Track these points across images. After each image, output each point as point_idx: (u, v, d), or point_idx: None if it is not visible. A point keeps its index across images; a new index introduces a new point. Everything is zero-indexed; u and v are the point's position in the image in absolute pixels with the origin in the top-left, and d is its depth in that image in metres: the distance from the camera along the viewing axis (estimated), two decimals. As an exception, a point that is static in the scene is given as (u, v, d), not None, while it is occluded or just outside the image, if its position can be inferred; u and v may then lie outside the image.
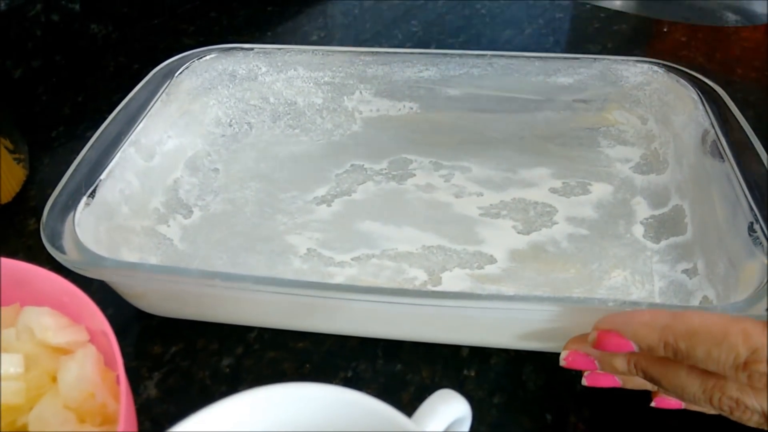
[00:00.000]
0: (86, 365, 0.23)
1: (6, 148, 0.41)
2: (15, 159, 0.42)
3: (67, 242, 0.30)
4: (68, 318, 0.25)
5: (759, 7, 0.71)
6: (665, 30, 0.59)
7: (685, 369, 0.22)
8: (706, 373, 0.22)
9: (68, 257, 0.29)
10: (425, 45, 0.56)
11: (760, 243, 0.29)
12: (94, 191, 0.33)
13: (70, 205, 0.32)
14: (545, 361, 0.30)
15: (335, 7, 0.64)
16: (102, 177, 0.34)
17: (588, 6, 0.63)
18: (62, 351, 0.24)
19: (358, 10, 0.63)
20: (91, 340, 0.24)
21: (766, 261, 0.28)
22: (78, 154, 0.35)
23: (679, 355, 0.21)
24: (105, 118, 0.38)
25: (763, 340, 0.19)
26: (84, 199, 0.32)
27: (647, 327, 0.22)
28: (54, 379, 0.23)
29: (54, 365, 0.23)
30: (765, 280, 0.27)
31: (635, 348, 0.22)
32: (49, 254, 0.30)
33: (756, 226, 0.29)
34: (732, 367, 0.20)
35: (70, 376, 0.22)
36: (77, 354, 0.23)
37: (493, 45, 0.56)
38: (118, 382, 0.23)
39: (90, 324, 0.24)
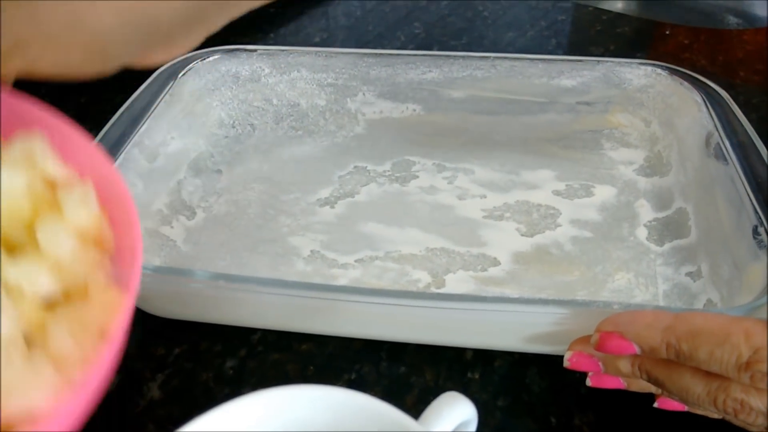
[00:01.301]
0: (89, 193, 0.20)
1: (9, 149, 0.41)
2: (18, 160, 0.42)
3: (71, 243, 0.29)
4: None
5: (760, 10, 0.71)
6: (667, 33, 0.59)
7: (689, 371, 0.22)
8: (709, 375, 0.22)
9: (72, 258, 0.29)
10: (428, 47, 0.56)
11: (765, 246, 0.29)
12: (97, 192, 0.33)
13: (73, 206, 0.32)
14: (549, 363, 0.30)
15: (337, 8, 0.64)
16: (106, 178, 0.33)
17: (590, 8, 0.63)
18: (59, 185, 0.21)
19: (360, 12, 0.63)
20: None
21: (770, 264, 0.28)
22: (81, 156, 0.35)
23: (681, 356, 0.21)
24: (108, 120, 0.38)
25: (764, 339, 0.19)
26: (88, 200, 0.32)
27: (649, 328, 0.22)
28: (55, 207, 0.20)
29: (54, 197, 0.20)
30: (770, 283, 0.27)
31: (637, 350, 0.22)
32: (52, 255, 0.30)
33: (760, 229, 0.29)
34: (735, 367, 0.20)
35: (74, 199, 0.20)
36: (78, 184, 0.21)
37: (495, 47, 0.56)
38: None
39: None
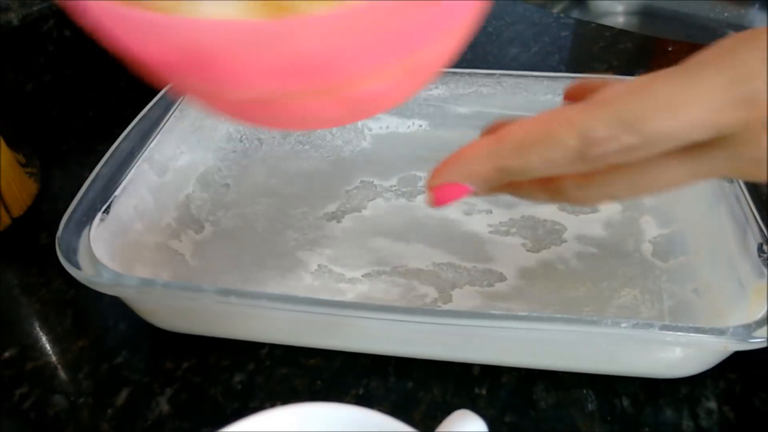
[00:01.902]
0: None
1: (18, 162, 0.41)
2: (27, 173, 0.42)
3: (82, 258, 0.30)
4: None
5: (760, 25, 0.71)
6: (669, 49, 0.60)
7: (527, 184, 0.21)
8: (545, 180, 0.20)
9: (84, 273, 0.29)
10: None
11: (770, 264, 0.29)
12: (108, 207, 0.33)
13: (84, 220, 0.32)
14: (556, 380, 0.30)
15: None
16: (117, 193, 0.34)
17: (592, 24, 0.64)
18: None
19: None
20: None
21: (776, 282, 0.28)
22: (89, 169, 0.35)
23: (518, 174, 0.19)
24: (115, 133, 0.38)
25: (589, 120, 0.18)
26: (99, 215, 0.32)
27: (475, 161, 0.20)
28: None
29: None
30: (775, 301, 0.27)
31: (473, 188, 0.20)
32: (61, 268, 0.30)
33: (765, 247, 0.30)
34: (571, 161, 0.18)
35: None
36: None
37: (499, 62, 0.57)
38: None
39: None
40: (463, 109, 0.44)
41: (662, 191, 0.20)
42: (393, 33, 0.16)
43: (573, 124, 0.18)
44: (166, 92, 0.42)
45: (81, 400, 0.31)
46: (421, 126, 0.45)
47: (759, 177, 0.18)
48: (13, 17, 0.48)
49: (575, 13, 0.79)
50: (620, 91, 0.18)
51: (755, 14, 0.75)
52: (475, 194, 0.21)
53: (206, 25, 0.15)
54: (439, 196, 0.21)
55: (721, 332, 0.26)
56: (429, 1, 0.16)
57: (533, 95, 0.43)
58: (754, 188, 0.33)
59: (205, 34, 0.15)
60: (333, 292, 0.35)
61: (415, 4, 0.16)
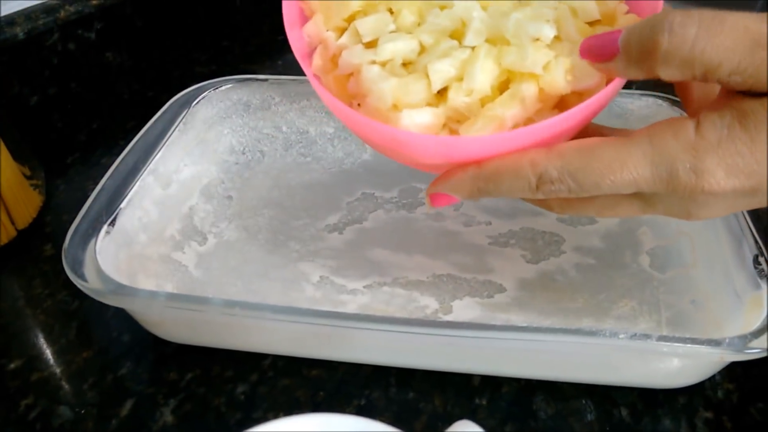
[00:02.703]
0: None
1: (23, 174, 0.42)
2: (32, 185, 0.43)
3: (88, 270, 0.30)
4: None
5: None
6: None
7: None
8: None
9: (90, 285, 0.29)
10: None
11: (766, 275, 0.29)
12: (114, 219, 0.34)
13: (90, 233, 0.32)
14: (555, 390, 0.31)
15: (344, 36, 0.65)
16: (122, 205, 0.34)
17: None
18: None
19: (366, 40, 0.64)
20: None
21: (771, 293, 0.29)
22: (93, 181, 0.36)
23: (491, 194, 0.25)
24: (119, 145, 0.39)
25: (545, 164, 0.23)
26: (105, 227, 0.33)
27: (460, 181, 0.25)
28: None
29: None
30: (771, 312, 0.28)
31: (458, 199, 0.26)
32: (66, 280, 0.31)
33: (761, 259, 0.30)
34: (529, 191, 0.24)
35: None
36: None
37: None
38: None
39: None
40: (462, 122, 0.45)
41: (625, 217, 0.26)
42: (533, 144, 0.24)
43: (535, 165, 0.23)
44: (170, 105, 0.42)
45: (86, 411, 0.31)
46: (421, 138, 0.45)
47: (688, 218, 0.24)
48: (19, 31, 0.49)
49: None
50: (576, 146, 0.23)
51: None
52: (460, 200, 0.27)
53: (406, 135, 0.24)
54: (433, 201, 0.27)
55: (717, 343, 0.27)
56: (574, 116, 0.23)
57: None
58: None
59: (407, 139, 0.24)
60: (334, 303, 0.35)
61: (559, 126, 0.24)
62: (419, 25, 0.26)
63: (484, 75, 0.24)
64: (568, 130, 0.24)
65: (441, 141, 0.24)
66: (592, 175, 0.23)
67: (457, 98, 0.24)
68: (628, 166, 0.22)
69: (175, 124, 0.41)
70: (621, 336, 0.27)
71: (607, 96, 0.23)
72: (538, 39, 0.24)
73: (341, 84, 0.27)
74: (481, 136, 0.24)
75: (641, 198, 0.24)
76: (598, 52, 0.23)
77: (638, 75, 0.23)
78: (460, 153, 0.24)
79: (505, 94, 0.24)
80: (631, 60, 0.22)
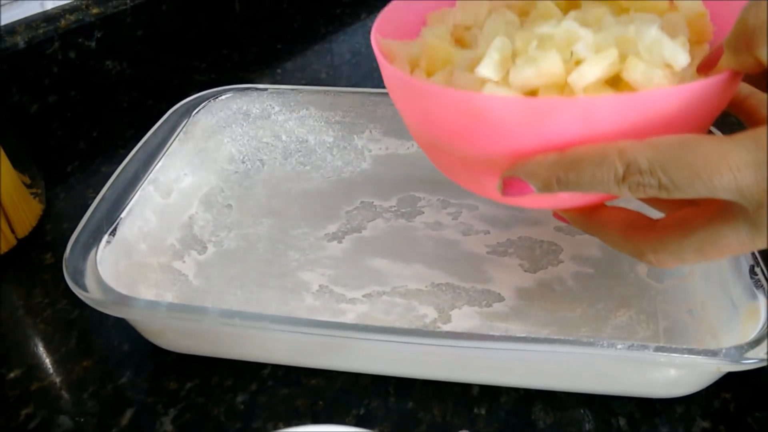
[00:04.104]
0: None
1: (23, 182, 0.42)
2: (32, 193, 0.43)
3: (89, 280, 0.30)
4: None
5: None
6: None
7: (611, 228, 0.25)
8: (628, 236, 0.24)
9: (91, 296, 0.30)
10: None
11: (761, 286, 0.30)
12: (115, 229, 0.34)
13: (91, 242, 0.33)
14: (554, 400, 0.31)
15: (342, 45, 0.66)
16: (123, 215, 0.35)
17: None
18: None
19: (364, 48, 0.65)
20: None
21: (766, 303, 0.29)
22: (93, 189, 0.36)
23: (570, 185, 0.22)
24: (119, 153, 0.39)
25: (635, 153, 0.21)
26: (105, 237, 0.33)
27: (539, 166, 0.23)
28: None
29: None
30: (767, 322, 0.28)
31: (534, 189, 0.23)
32: (66, 288, 0.31)
33: (757, 269, 0.30)
34: (614, 183, 0.21)
35: None
36: None
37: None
38: None
39: None
40: (461, 131, 0.45)
41: (732, 254, 0.22)
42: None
43: (623, 153, 0.21)
44: (170, 114, 0.42)
45: (86, 420, 0.31)
46: (420, 147, 0.46)
47: None
48: (19, 40, 0.49)
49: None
50: (671, 139, 0.21)
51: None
52: (536, 192, 0.24)
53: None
54: (506, 187, 0.24)
55: (713, 354, 0.27)
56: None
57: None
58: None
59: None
60: (334, 313, 0.35)
61: None
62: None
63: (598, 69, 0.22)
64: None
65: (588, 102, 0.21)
66: (686, 170, 0.20)
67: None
68: (728, 164, 0.19)
69: (176, 133, 0.41)
70: (618, 346, 0.27)
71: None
72: (669, 66, 0.22)
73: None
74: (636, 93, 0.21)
75: (745, 217, 0.21)
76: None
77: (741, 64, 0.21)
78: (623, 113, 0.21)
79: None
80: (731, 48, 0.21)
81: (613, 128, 0.21)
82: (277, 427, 0.30)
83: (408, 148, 0.46)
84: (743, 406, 0.31)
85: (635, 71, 0.22)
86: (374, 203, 0.43)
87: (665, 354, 0.27)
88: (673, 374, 0.29)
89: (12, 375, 0.33)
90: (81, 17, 0.52)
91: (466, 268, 0.38)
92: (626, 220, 0.25)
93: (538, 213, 0.41)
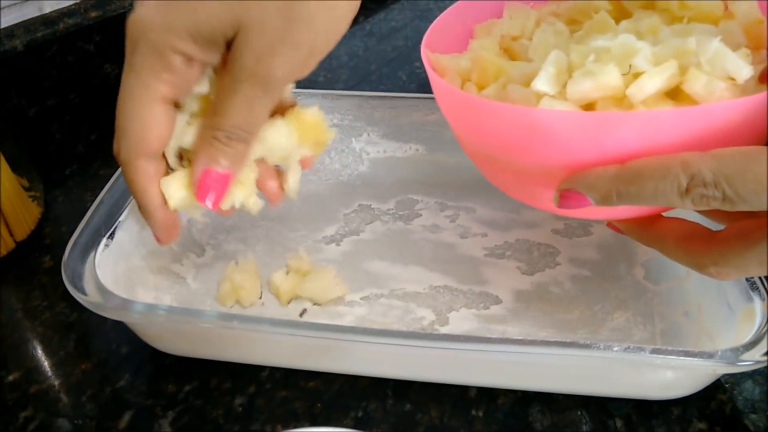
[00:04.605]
0: None
1: (22, 185, 0.42)
2: (30, 197, 0.43)
3: (87, 283, 0.30)
4: None
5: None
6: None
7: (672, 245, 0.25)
8: (689, 252, 0.24)
9: (90, 299, 0.30)
10: (429, 86, 0.58)
11: (757, 288, 0.30)
12: (113, 232, 0.34)
13: (89, 246, 0.33)
14: (551, 401, 0.31)
15: (340, 48, 0.66)
16: (121, 218, 0.35)
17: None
18: None
19: (362, 51, 0.65)
20: None
21: (762, 306, 0.29)
22: (92, 192, 0.36)
23: (632, 198, 0.22)
24: (119, 157, 0.39)
25: (699, 165, 0.20)
26: (104, 240, 0.33)
27: (599, 179, 0.22)
28: None
29: None
30: (762, 324, 0.28)
31: (592, 201, 0.23)
32: (64, 291, 0.31)
33: (752, 272, 0.30)
34: (678, 196, 0.21)
35: None
36: None
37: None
38: None
39: None
40: (458, 134, 0.45)
41: None
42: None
43: (687, 165, 0.21)
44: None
45: (84, 423, 0.31)
46: (417, 150, 0.46)
47: None
48: (18, 43, 0.49)
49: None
50: (735, 151, 0.21)
51: None
52: (594, 204, 0.24)
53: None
54: (563, 199, 0.24)
55: (709, 356, 0.27)
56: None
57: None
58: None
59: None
60: (332, 315, 0.35)
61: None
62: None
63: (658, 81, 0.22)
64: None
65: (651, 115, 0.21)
66: (751, 182, 0.20)
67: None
68: None
69: (174, 136, 0.41)
70: (615, 348, 0.27)
71: None
72: (731, 78, 0.22)
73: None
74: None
75: None
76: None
77: None
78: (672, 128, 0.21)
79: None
80: None
81: (673, 141, 0.21)
82: (275, 430, 0.30)
83: (406, 151, 0.46)
84: (739, 408, 0.31)
85: (697, 83, 0.22)
86: (372, 206, 0.43)
87: (661, 356, 0.27)
88: (669, 376, 0.30)
89: (11, 378, 0.33)
90: (79, 20, 0.53)
91: (463, 270, 0.38)
92: (685, 232, 0.25)
93: (535, 216, 0.42)
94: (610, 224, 0.28)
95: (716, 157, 0.20)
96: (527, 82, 0.24)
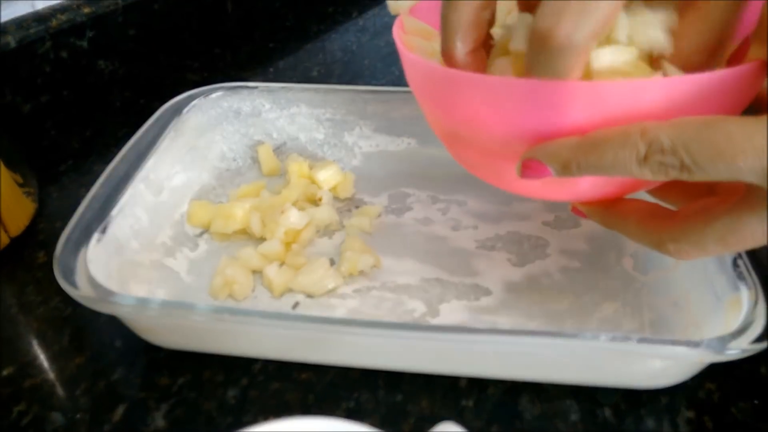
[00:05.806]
0: None
1: (16, 181, 0.42)
2: (24, 192, 0.43)
3: (79, 278, 0.31)
4: None
5: None
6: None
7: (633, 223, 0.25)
8: (647, 228, 0.24)
9: (82, 293, 0.30)
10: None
11: (743, 278, 0.30)
12: (105, 227, 0.34)
13: (82, 240, 0.33)
14: (540, 391, 0.31)
15: (334, 43, 0.66)
16: (113, 213, 0.35)
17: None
18: None
19: (356, 47, 0.65)
20: None
21: (748, 294, 0.29)
22: (86, 188, 0.36)
23: (591, 168, 0.22)
24: (112, 152, 0.39)
25: (657, 132, 0.20)
26: (96, 234, 0.33)
27: (559, 147, 0.22)
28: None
29: None
30: (749, 313, 0.28)
31: (553, 172, 0.22)
32: (58, 287, 0.31)
33: (739, 261, 0.31)
34: (636, 164, 0.20)
35: None
36: None
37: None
38: None
39: None
40: (450, 128, 0.45)
41: (748, 247, 0.22)
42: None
43: (645, 132, 0.20)
44: (161, 113, 0.43)
45: (78, 416, 0.31)
46: (410, 144, 0.46)
47: None
48: (10, 39, 0.49)
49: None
50: (695, 119, 0.20)
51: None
52: (555, 175, 0.23)
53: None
54: (525, 169, 0.23)
55: (696, 345, 0.27)
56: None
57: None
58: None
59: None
60: (324, 307, 0.36)
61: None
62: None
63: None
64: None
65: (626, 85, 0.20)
66: (709, 149, 0.19)
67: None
68: (753, 145, 0.19)
69: (166, 131, 0.41)
70: (602, 338, 0.27)
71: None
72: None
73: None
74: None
75: None
76: None
77: None
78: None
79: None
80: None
81: (633, 115, 0.21)
82: (268, 421, 0.30)
83: (398, 145, 0.46)
84: (727, 397, 0.31)
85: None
86: (364, 199, 0.43)
87: (648, 345, 0.27)
88: (657, 365, 0.30)
89: (5, 372, 0.34)
90: (72, 17, 0.53)
91: (454, 262, 0.38)
92: (645, 211, 0.25)
93: (526, 208, 0.42)
94: (574, 208, 0.28)
95: (675, 124, 0.20)
96: (506, 51, 0.24)
